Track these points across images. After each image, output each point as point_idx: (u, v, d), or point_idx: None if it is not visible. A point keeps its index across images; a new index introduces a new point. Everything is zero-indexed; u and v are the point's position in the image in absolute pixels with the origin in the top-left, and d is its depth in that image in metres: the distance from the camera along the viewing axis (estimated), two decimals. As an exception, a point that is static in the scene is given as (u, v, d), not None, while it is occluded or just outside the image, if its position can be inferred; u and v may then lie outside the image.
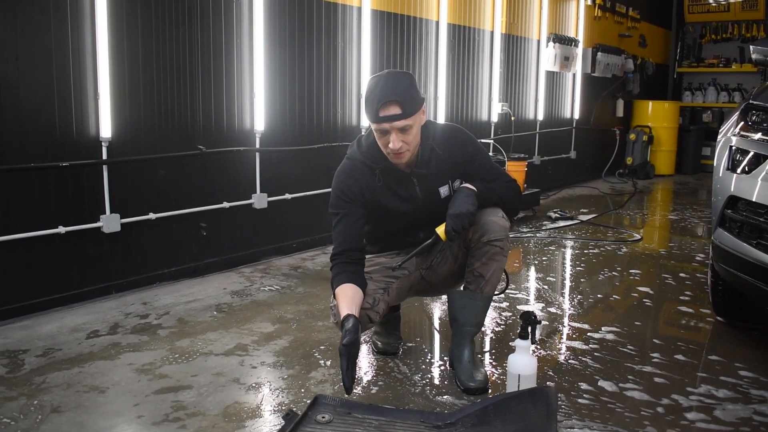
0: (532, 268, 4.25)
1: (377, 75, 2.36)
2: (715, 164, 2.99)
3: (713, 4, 9.85)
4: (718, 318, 3.25)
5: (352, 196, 2.41)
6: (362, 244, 2.42)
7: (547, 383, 2.48)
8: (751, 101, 2.85)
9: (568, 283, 3.99)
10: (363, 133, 2.52)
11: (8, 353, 2.69)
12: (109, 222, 3.38)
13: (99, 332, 2.95)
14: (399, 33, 5.10)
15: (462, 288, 2.53)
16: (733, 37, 9.93)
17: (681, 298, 3.65)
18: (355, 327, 2.13)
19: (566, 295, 3.70)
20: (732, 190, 2.73)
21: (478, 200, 2.41)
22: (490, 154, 5.55)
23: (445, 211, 2.40)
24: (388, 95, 2.26)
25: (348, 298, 2.26)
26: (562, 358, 2.77)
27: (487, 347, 2.89)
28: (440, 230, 2.40)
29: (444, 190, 2.49)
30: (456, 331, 2.52)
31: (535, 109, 7.18)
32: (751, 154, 2.70)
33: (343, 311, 2.21)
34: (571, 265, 4.38)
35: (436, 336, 3.06)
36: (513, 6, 6.49)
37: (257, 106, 4.08)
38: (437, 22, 5.45)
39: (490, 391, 2.42)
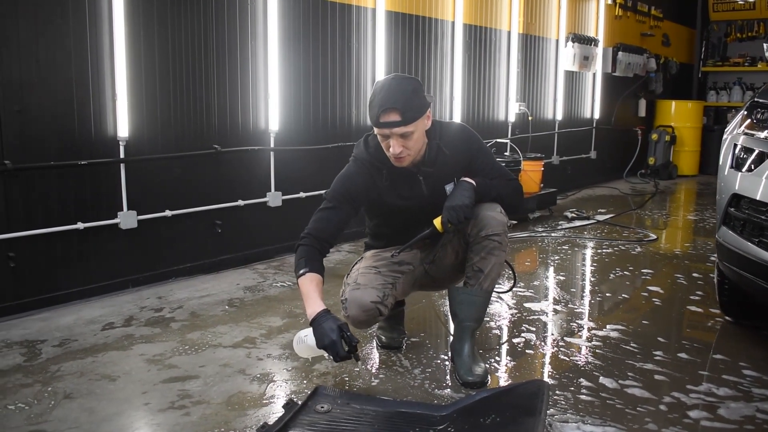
0: (544, 267, 4.26)
1: (383, 79, 2.41)
2: (720, 162, 2.99)
3: (739, 2, 9.73)
4: (726, 317, 3.25)
5: (353, 195, 2.48)
6: (334, 240, 2.51)
7: (545, 379, 2.52)
8: (756, 99, 2.84)
9: (577, 281, 4.00)
10: (369, 133, 2.57)
11: (27, 343, 2.80)
12: (126, 219, 3.49)
13: (114, 324, 3.05)
14: (414, 34, 5.15)
15: (462, 283, 2.57)
16: (759, 35, 9.78)
17: (691, 297, 3.64)
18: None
19: (575, 294, 3.71)
20: (736, 188, 2.73)
21: (476, 194, 2.46)
22: (507, 153, 5.57)
23: None
24: (389, 102, 2.30)
25: (319, 291, 2.42)
26: (563, 354, 2.80)
27: (490, 344, 2.92)
28: (437, 221, 2.47)
29: (450, 187, 2.54)
30: (457, 327, 2.56)
31: (554, 108, 7.17)
32: (756, 152, 2.69)
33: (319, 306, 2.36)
34: (582, 265, 4.39)
35: (441, 331, 3.10)
36: (530, 6, 6.49)
37: (272, 106, 4.16)
38: (453, 23, 5.49)
39: (488, 384, 2.46)
